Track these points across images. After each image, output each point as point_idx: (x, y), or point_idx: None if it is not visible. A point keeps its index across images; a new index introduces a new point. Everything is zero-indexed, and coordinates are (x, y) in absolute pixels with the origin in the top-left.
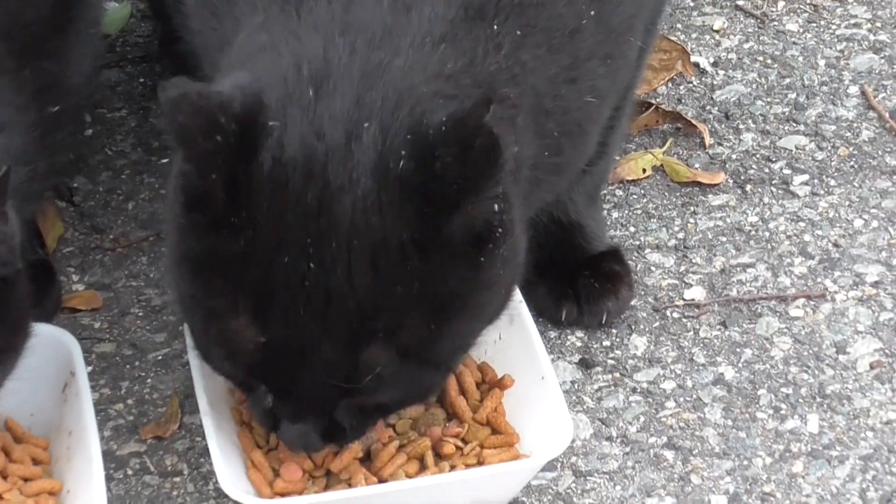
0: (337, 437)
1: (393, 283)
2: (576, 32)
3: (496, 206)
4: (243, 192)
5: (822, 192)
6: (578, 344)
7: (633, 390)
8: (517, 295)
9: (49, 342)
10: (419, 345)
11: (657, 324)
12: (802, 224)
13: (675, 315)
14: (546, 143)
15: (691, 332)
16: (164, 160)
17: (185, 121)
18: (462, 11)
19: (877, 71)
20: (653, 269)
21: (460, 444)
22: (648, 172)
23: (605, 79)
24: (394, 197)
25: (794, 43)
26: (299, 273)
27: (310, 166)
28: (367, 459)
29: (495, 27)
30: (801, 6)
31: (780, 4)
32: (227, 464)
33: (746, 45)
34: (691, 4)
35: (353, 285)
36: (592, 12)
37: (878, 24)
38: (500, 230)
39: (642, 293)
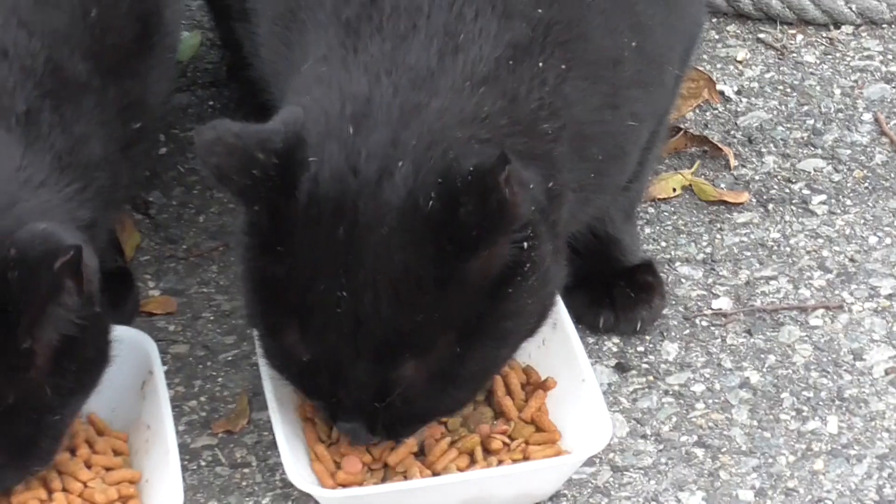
0: (386, 434)
1: (415, 311)
2: (618, 63)
3: (525, 244)
4: (284, 222)
5: (838, 211)
6: (614, 349)
7: (666, 392)
8: (559, 302)
9: (129, 343)
10: (447, 366)
11: (687, 331)
12: (821, 240)
13: (704, 323)
14: (590, 166)
15: (719, 339)
16: None
17: (217, 161)
18: (509, 51)
19: (889, 100)
20: (683, 280)
21: (507, 440)
22: (678, 192)
23: (644, 105)
24: (418, 234)
25: (812, 73)
26: (333, 299)
27: (342, 202)
28: (421, 454)
29: (540, 64)
30: (818, 39)
31: (799, 37)
32: (293, 456)
33: (767, 75)
34: (716, 37)
35: (379, 313)
36: (634, 43)
37: (890, 57)
38: (527, 265)
39: (673, 303)
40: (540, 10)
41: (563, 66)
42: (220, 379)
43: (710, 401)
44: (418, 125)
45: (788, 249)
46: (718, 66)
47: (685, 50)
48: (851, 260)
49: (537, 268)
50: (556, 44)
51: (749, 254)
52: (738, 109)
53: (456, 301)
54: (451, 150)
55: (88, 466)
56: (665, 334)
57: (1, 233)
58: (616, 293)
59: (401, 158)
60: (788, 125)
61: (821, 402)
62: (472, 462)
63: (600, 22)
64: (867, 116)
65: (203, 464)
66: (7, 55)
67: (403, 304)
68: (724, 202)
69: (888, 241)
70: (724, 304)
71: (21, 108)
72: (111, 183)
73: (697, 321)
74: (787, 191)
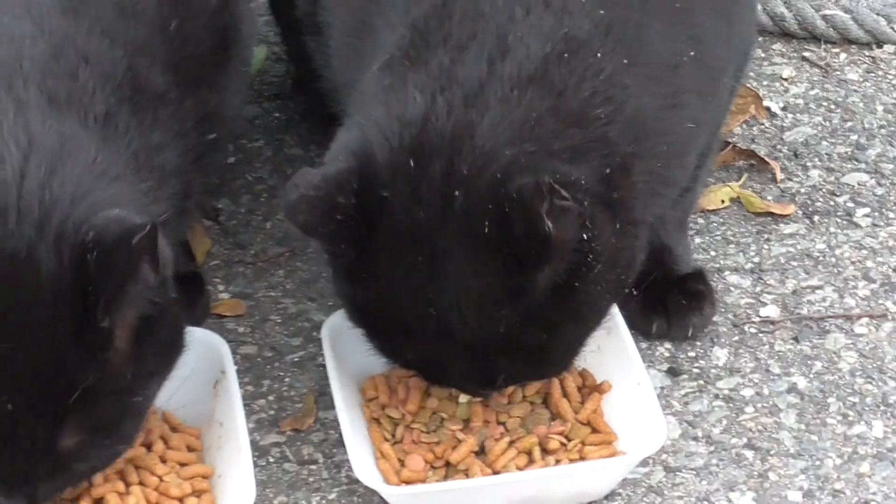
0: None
1: (497, 321)
2: (676, 67)
3: (584, 237)
4: (368, 254)
5: (882, 223)
6: (666, 354)
7: (716, 396)
8: (614, 309)
9: (202, 344)
10: (535, 353)
11: (736, 338)
12: (865, 251)
13: (752, 330)
14: (656, 159)
15: (767, 346)
16: None
17: (304, 219)
18: (562, 45)
19: None
20: (732, 289)
21: (564, 441)
22: (727, 203)
23: (702, 111)
24: (484, 257)
25: (855, 90)
26: (425, 317)
27: (415, 234)
28: (481, 453)
29: (599, 55)
30: (861, 58)
31: (842, 56)
32: (359, 454)
33: (812, 92)
34: (763, 55)
35: (466, 325)
36: (692, 53)
37: None
38: (590, 256)
39: (723, 310)
40: (602, 11)
41: (625, 61)
42: (287, 379)
43: (759, 405)
44: (469, 150)
45: (833, 260)
46: (765, 83)
47: (739, 64)
48: (895, 270)
49: (600, 256)
50: (617, 41)
51: (795, 264)
52: (784, 125)
53: (533, 303)
54: (499, 171)
55: (164, 461)
56: (715, 340)
57: (77, 218)
58: (669, 300)
59: (456, 188)
60: (832, 140)
61: (866, 408)
62: (531, 461)
63: (660, 28)
64: None
65: (272, 460)
66: (89, 61)
67: (486, 319)
68: (771, 214)
69: None
70: (771, 311)
71: (99, 109)
72: (184, 190)
73: (746, 328)
74: (832, 203)
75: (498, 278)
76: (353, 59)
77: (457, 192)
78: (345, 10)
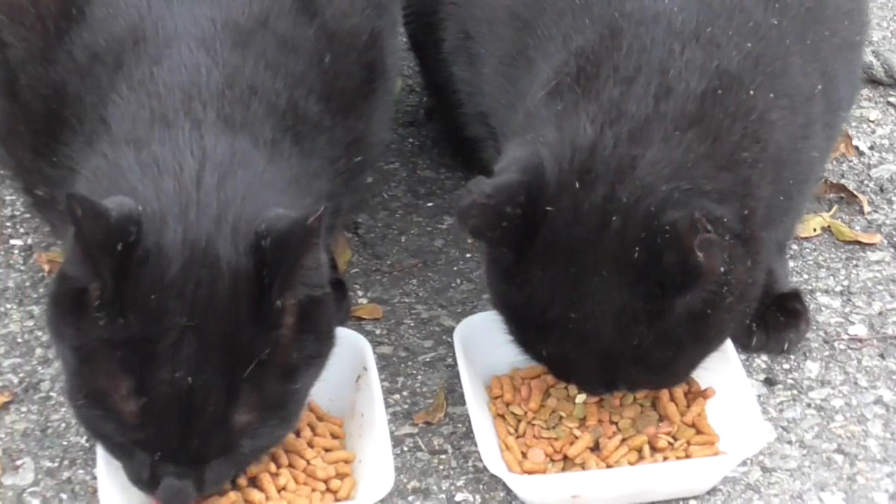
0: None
1: (631, 335)
2: (809, 99)
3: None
4: (525, 260)
5: None
6: (763, 366)
7: (808, 405)
8: None
9: (346, 342)
10: (658, 366)
11: (827, 353)
12: None
13: (842, 347)
14: (781, 189)
15: (855, 361)
16: (429, 203)
17: (474, 223)
18: (716, 80)
19: None
20: (823, 309)
21: (671, 440)
22: (818, 231)
23: (823, 140)
24: (630, 278)
25: None
26: (566, 321)
27: (572, 248)
28: (595, 449)
29: (752, 91)
30: None
31: None
32: (487, 445)
33: None
34: None
35: (602, 334)
36: (820, 87)
37: None
38: (725, 288)
39: (815, 328)
40: (749, 44)
41: (772, 95)
42: (419, 377)
43: (848, 414)
44: (631, 181)
45: None
46: (854, 124)
47: (848, 102)
48: None
49: (734, 289)
50: (765, 74)
51: (881, 287)
52: (871, 162)
53: (667, 324)
54: (654, 204)
55: (311, 447)
56: (808, 355)
57: (249, 214)
58: (767, 317)
59: (614, 213)
60: None
61: None
62: (641, 458)
63: (797, 62)
64: None
65: (406, 449)
66: (257, 92)
67: (622, 332)
68: (859, 242)
69: None
70: (859, 330)
71: (267, 135)
72: (335, 209)
73: (836, 344)
74: None
75: (640, 299)
76: (507, 87)
77: (614, 217)
78: (498, 42)
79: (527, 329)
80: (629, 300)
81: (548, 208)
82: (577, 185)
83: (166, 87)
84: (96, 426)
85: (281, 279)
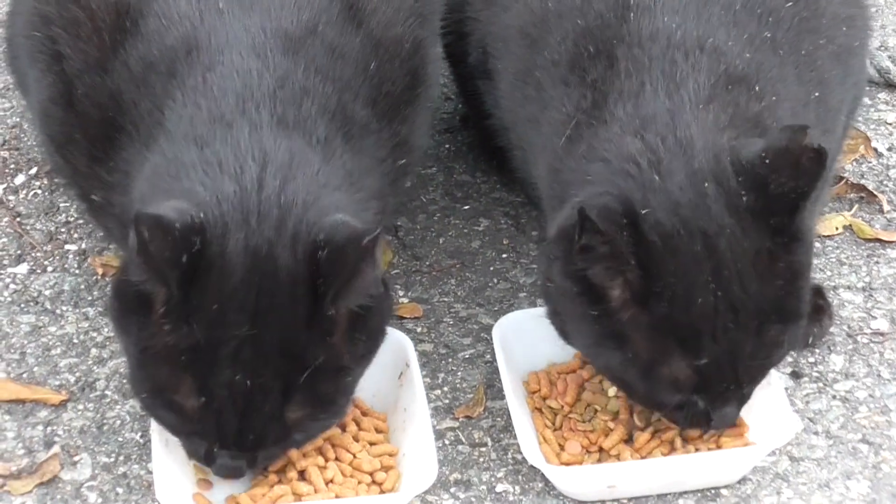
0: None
1: (772, 280)
2: (806, 105)
3: None
4: (648, 267)
5: None
6: (789, 359)
7: (834, 397)
8: None
9: (389, 340)
10: (794, 310)
11: (850, 346)
12: None
13: (865, 340)
14: None
15: (878, 354)
16: (466, 206)
17: (598, 236)
18: (723, 79)
19: None
20: (846, 304)
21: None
22: (840, 230)
23: (824, 145)
24: (749, 223)
25: None
26: (711, 304)
27: (686, 227)
28: (629, 441)
29: (757, 88)
30: None
31: None
32: (526, 438)
33: None
34: (870, 103)
35: (749, 294)
36: (817, 94)
37: None
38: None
39: (838, 322)
40: (748, 54)
41: (774, 98)
42: (459, 373)
43: (872, 405)
44: (699, 150)
45: None
46: (872, 126)
47: (851, 106)
48: None
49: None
50: (767, 79)
51: None
52: (890, 163)
53: (795, 256)
54: (730, 154)
55: (356, 441)
56: (832, 348)
57: (309, 221)
58: None
59: (704, 180)
60: None
61: None
62: (673, 449)
63: (794, 72)
64: None
65: (447, 442)
66: (308, 93)
67: (764, 278)
68: (879, 240)
69: None
70: (881, 325)
71: (321, 133)
72: (382, 209)
73: (859, 339)
74: None
75: (766, 236)
76: (520, 101)
77: (706, 184)
78: (511, 59)
79: (664, 357)
80: (758, 243)
81: (644, 211)
82: (658, 179)
83: (220, 90)
84: (158, 416)
85: (335, 290)
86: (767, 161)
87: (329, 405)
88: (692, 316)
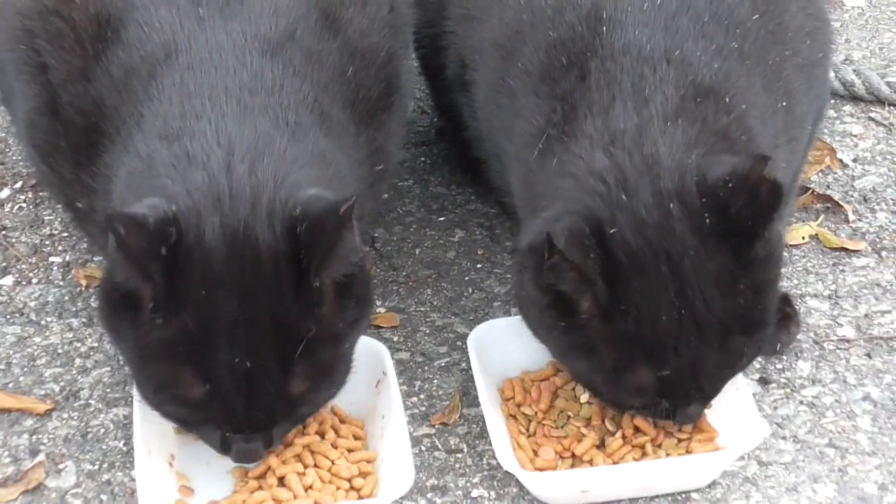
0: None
1: (734, 297)
2: (774, 113)
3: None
4: (614, 285)
5: None
6: (758, 366)
7: (801, 402)
8: None
9: (366, 349)
10: (758, 322)
11: (817, 353)
12: None
13: (831, 347)
14: None
15: (844, 360)
16: (441, 218)
17: (576, 257)
18: (691, 91)
19: None
20: (812, 312)
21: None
22: (807, 239)
23: (790, 153)
24: (712, 244)
25: None
26: (675, 320)
27: (651, 248)
28: (602, 447)
29: (726, 100)
30: None
31: None
32: (501, 444)
33: (878, 147)
34: (836, 115)
35: (712, 311)
36: (784, 103)
37: None
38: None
39: (805, 330)
40: (716, 65)
41: (744, 106)
42: (435, 381)
43: (838, 410)
44: (665, 169)
45: None
46: (837, 138)
47: (815, 116)
48: None
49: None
50: (735, 87)
51: (867, 291)
52: (855, 174)
53: (757, 278)
54: (694, 174)
55: (335, 448)
56: (799, 355)
57: (283, 196)
58: None
59: (670, 200)
60: None
61: None
62: (644, 455)
63: (761, 81)
64: None
65: (424, 449)
66: (284, 88)
67: (726, 297)
68: (845, 249)
69: None
70: (847, 332)
71: (290, 117)
72: (359, 213)
73: (825, 345)
74: None
75: (728, 258)
76: (495, 111)
77: (671, 205)
78: (486, 70)
79: (628, 368)
80: (721, 264)
81: (611, 231)
82: (626, 198)
83: (197, 85)
84: (168, 412)
85: (318, 262)
86: (730, 185)
87: (329, 374)
88: (657, 331)
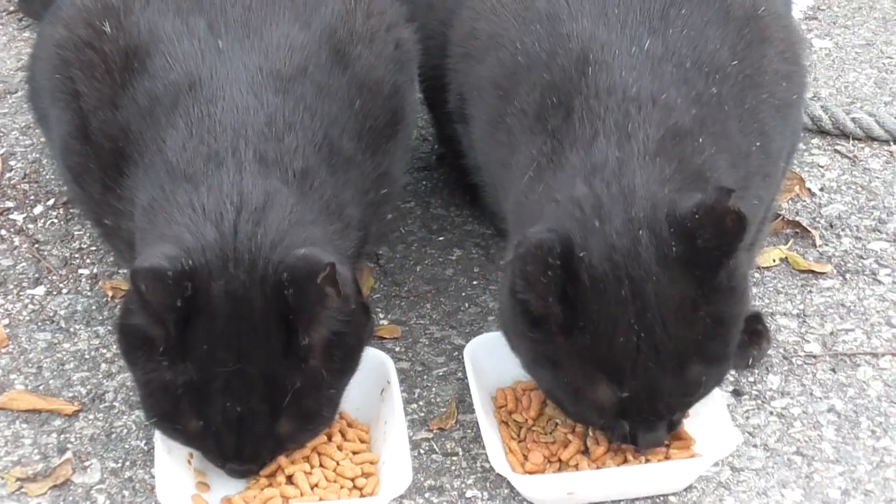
0: (671, 428)
1: (694, 325)
2: (748, 155)
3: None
4: (575, 304)
5: None
6: (731, 379)
7: (771, 413)
8: None
9: (372, 359)
10: (717, 353)
11: (786, 367)
12: (887, 303)
13: (799, 362)
14: None
15: (811, 375)
16: (441, 237)
17: (530, 269)
18: (670, 132)
19: None
20: (782, 329)
21: None
22: (777, 262)
23: (763, 190)
24: (676, 271)
25: (877, 177)
26: (633, 343)
27: (616, 273)
28: (586, 452)
29: (700, 140)
30: (881, 152)
31: (866, 150)
32: (494, 449)
33: (843, 177)
34: (804, 148)
35: (671, 337)
36: (758, 143)
37: None
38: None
39: (775, 346)
40: (694, 111)
41: (714, 149)
42: (433, 389)
43: (805, 421)
44: (639, 199)
45: (862, 309)
46: (806, 169)
47: (789, 152)
48: None
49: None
50: (709, 133)
51: (832, 311)
52: (822, 202)
53: (717, 308)
54: (667, 206)
55: (340, 450)
56: (769, 369)
57: (275, 261)
58: None
59: (639, 228)
60: (860, 215)
61: (891, 426)
62: (626, 460)
63: (736, 125)
64: None
65: (422, 452)
66: (293, 128)
67: (686, 324)
68: (812, 271)
69: None
70: (814, 348)
71: (298, 166)
72: (363, 238)
73: (794, 360)
74: (860, 265)
75: (691, 286)
76: (492, 145)
77: (640, 231)
78: (484, 107)
79: (589, 385)
80: (683, 292)
81: (581, 254)
82: (598, 224)
83: (221, 125)
84: (168, 435)
85: (304, 323)
86: (697, 216)
87: (314, 417)
88: (614, 352)
